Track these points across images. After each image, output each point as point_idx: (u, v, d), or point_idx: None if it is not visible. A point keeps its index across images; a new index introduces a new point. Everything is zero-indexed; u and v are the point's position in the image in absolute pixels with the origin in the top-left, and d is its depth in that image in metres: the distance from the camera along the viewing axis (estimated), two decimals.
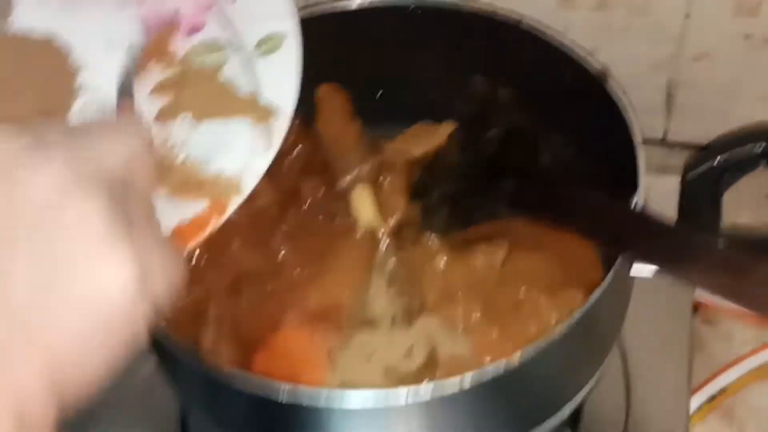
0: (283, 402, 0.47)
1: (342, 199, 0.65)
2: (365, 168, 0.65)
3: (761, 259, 0.43)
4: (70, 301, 0.31)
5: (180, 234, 0.46)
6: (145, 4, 0.55)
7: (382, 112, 0.68)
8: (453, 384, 0.46)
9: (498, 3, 0.69)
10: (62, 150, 0.33)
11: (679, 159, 0.79)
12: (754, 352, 0.67)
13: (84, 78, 0.53)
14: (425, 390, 0.46)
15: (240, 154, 0.50)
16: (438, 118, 0.68)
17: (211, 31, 0.54)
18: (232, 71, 0.53)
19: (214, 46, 0.54)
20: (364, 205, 0.64)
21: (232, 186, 0.48)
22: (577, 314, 0.48)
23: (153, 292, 0.33)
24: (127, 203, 0.34)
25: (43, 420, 0.30)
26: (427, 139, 0.68)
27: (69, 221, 0.32)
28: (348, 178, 0.64)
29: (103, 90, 0.53)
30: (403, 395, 0.47)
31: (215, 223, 0.47)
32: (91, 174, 0.33)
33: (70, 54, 0.53)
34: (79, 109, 0.53)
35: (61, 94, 0.52)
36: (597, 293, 0.49)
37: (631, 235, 0.52)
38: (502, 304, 0.60)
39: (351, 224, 0.64)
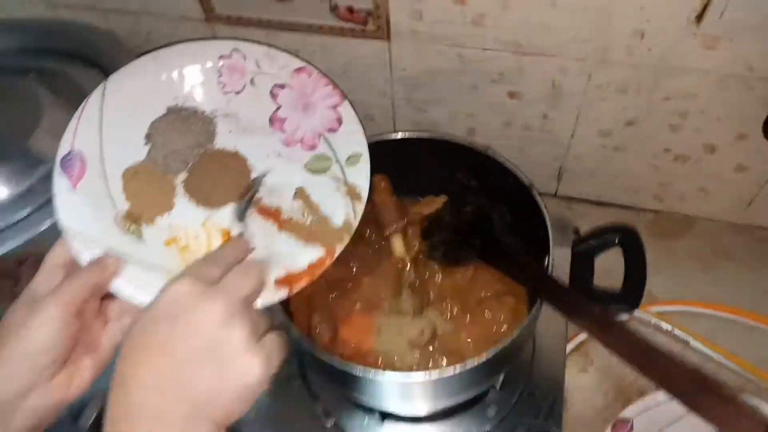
0: (357, 375, 0.50)
1: (386, 240, 0.67)
2: (399, 225, 0.66)
3: (620, 321, 0.42)
4: (230, 389, 0.34)
5: (312, 268, 0.50)
6: (285, 133, 0.57)
7: (408, 189, 0.70)
8: (450, 370, 0.49)
9: (476, 137, 0.78)
10: (219, 291, 0.36)
11: (565, 209, 0.87)
12: None
13: (255, 175, 0.55)
14: (437, 372, 0.49)
15: (341, 219, 0.53)
16: (437, 194, 0.71)
17: (322, 149, 0.56)
18: (336, 173, 0.55)
19: (324, 158, 0.56)
20: (397, 245, 0.66)
21: (338, 238, 0.52)
22: (518, 330, 0.51)
23: (272, 371, 0.36)
24: (253, 318, 0.37)
25: None
26: (431, 205, 0.69)
27: (225, 340, 0.35)
28: (390, 229, 0.66)
29: (268, 182, 0.55)
30: (420, 376, 0.49)
31: (329, 262, 0.51)
32: (236, 306, 0.36)
33: (247, 160, 0.56)
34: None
35: (245, 183, 0.55)
36: (528, 318, 0.52)
37: (543, 287, 0.52)
38: (470, 302, 0.64)
39: (390, 254, 0.66)
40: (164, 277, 0.47)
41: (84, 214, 0.49)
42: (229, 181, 0.55)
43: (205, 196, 0.54)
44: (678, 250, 0.79)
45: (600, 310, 0.45)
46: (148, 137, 0.56)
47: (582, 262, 0.56)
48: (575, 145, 0.77)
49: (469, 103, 0.77)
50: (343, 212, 0.53)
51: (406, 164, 0.67)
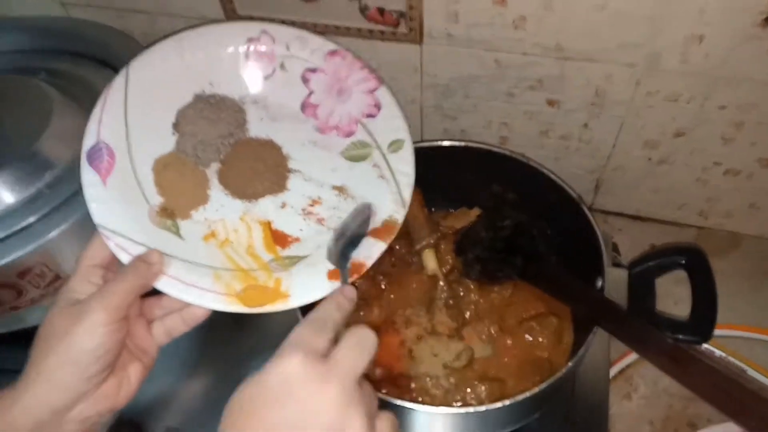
0: (397, 404, 0.46)
1: (417, 255, 0.64)
2: (431, 239, 0.63)
3: (698, 357, 0.39)
4: None
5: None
6: (318, 119, 0.55)
7: (440, 201, 0.68)
8: (497, 405, 0.46)
9: (509, 146, 0.73)
10: (335, 371, 0.31)
11: (601, 223, 0.81)
12: None
13: (291, 164, 0.53)
14: (486, 407, 0.46)
15: (389, 208, 0.50)
16: (470, 207, 0.68)
17: (360, 135, 0.54)
18: (377, 161, 0.52)
19: (363, 145, 0.54)
20: (430, 260, 0.64)
21: (386, 227, 0.49)
22: (572, 361, 0.47)
23: None
24: (368, 399, 0.32)
25: None
26: (464, 218, 0.67)
27: (345, 429, 0.30)
28: (421, 244, 0.63)
29: (305, 171, 0.53)
30: (463, 411, 0.46)
31: (383, 250, 0.47)
32: (353, 389, 0.31)
33: (281, 148, 0.54)
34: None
35: (281, 173, 0.53)
36: (579, 354, 0.48)
37: (601, 313, 0.48)
38: (510, 323, 0.61)
39: (422, 270, 0.64)
40: (209, 274, 0.45)
41: (117, 210, 0.46)
42: (265, 172, 0.53)
43: (241, 188, 0.52)
44: (724, 269, 0.74)
45: (674, 343, 0.42)
46: (176, 126, 0.53)
47: (641, 286, 0.52)
48: (616, 156, 0.72)
49: (504, 111, 0.72)
50: (390, 200, 0.50)
51: (437, 175, 0.63)
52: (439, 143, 0.64)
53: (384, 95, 0.54)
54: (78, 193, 0.59)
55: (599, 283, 0.52)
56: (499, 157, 0.63)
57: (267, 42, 0.55)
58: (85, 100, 0.67)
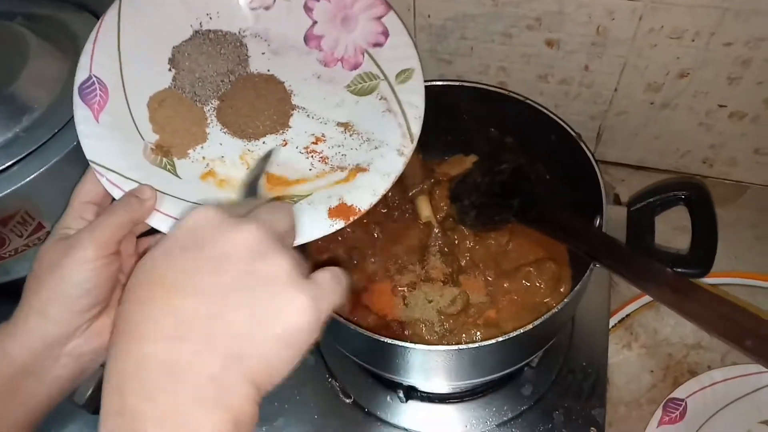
0: (388, 342, 0.45)
1: (411, 202, 0.63)
2: (425, 185, 0.63)
3: (700, 286, 0.39)
4: (269, 335, 0.28)
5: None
6: (323, 52, 0.54)
7: (434, 147, 0.65)
8: (491, 342, 0.44)
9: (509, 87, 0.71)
10: (252, 220, 0.30)
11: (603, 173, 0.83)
12: (643, 294, 0.67)
13: (295, 100, 0.52)
14: (480, 343, 0.45)
15: (396, 143, 0.48)
16: (466, 153, 0.67)
17: (366, 66, 0.53)
18: (384, 93, 0.51)
19: (370, 77, 0.53)
20: (424, 207, 0.63)
21: (393, 163, 0.47)
22: (569, 297, 0.46)
23: (324, 315, 0.29)
24: (294, 254, 0.30)
25: (250, 419, 0.27)
26: (459, 164, 0.66)
27: (264, 273, 0.28)
28: (415, 190, 0.62)
29: (309, 107, 0.52)
30: (456, 348, 0.45)
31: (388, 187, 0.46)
32: (272, 237, 0.30)
33: (284, 83, 0.53)
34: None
35: (284, 111, 0.52)
36: (576, 290, 0.47)
37: (600, 249, 0.47)
38: (506, 269, 0.60)
39: (416, 217, 0.63)
40: None
41: (110, 147, 0.45)
42: (267, 110, 0.52)
43: (241, 126, 0.51)
44: (727, 219, 0.74)
45: (675, 274, 0.41)
46: (172, 62, 0.51)
47: (641, 224, 0.51)
48: (618, 101, 0.71)
49: (501, 54, 0.71)
50: (398, 134, 0.49)
51: (431, 118, 0.59)
52: (433, 83, 0.61)
53: (392, 22, 0.52)
54: (56, 137, 0.59)
55: (597, 221, 0.51)
56: (496, 96, 0.60)
57: None
58: (64, 44, 0.66)
